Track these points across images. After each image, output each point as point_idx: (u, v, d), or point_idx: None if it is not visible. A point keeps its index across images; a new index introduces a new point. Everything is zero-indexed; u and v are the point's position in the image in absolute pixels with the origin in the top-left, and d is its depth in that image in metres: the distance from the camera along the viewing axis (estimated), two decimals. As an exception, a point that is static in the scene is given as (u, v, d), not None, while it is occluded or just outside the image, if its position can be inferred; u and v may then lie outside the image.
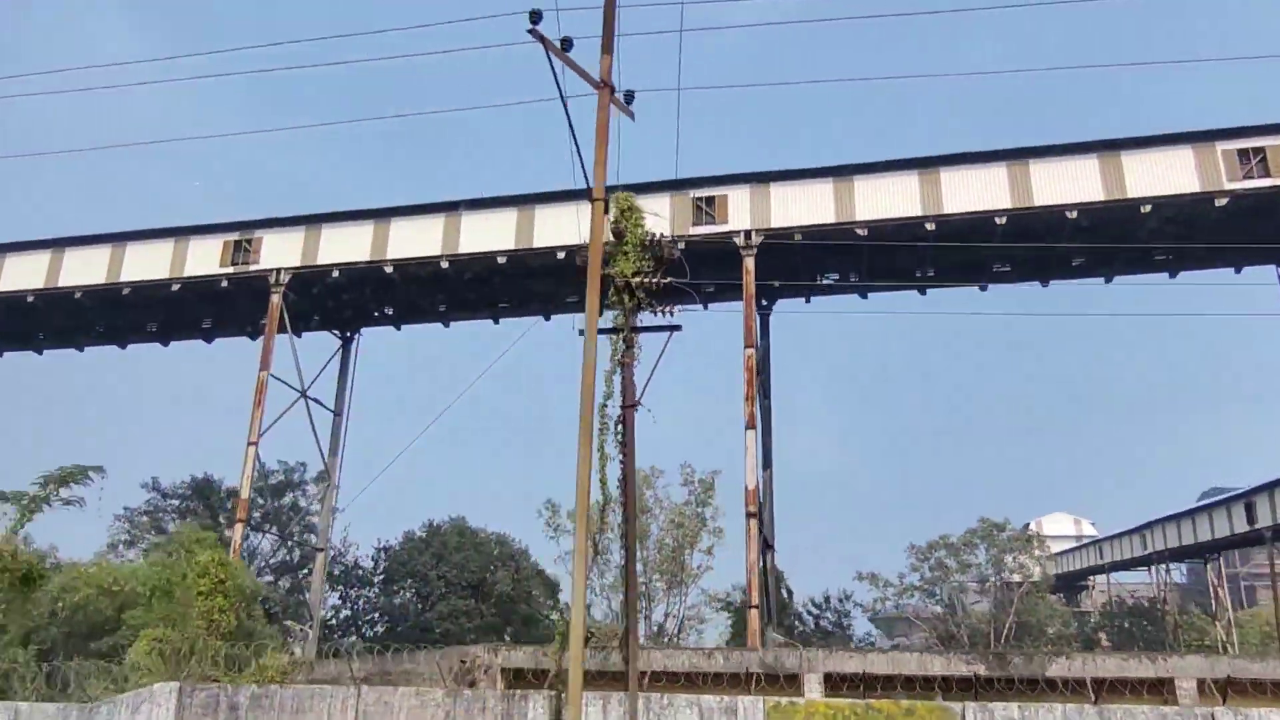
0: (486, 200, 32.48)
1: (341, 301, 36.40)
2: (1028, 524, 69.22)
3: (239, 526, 31.04)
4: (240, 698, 12.85)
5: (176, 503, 41.88)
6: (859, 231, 29.71)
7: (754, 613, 26.90)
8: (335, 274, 33.31)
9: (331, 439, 36.83)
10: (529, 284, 34.09)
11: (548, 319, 36.11)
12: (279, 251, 33.70)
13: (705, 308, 32.72)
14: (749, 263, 30.00)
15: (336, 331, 38.06)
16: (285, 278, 33.34)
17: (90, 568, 24.11)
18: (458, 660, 15.95)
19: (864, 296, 34.16)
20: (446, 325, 37.15)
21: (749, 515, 27.97)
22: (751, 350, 29.43)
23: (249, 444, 31.93)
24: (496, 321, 36.69)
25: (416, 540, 46.31)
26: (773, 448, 33.54)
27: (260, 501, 41.86)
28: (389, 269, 32.81)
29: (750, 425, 28.64)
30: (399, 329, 37.72)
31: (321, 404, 36.12)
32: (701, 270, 28.12)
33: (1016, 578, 60.32)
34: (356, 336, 38.07)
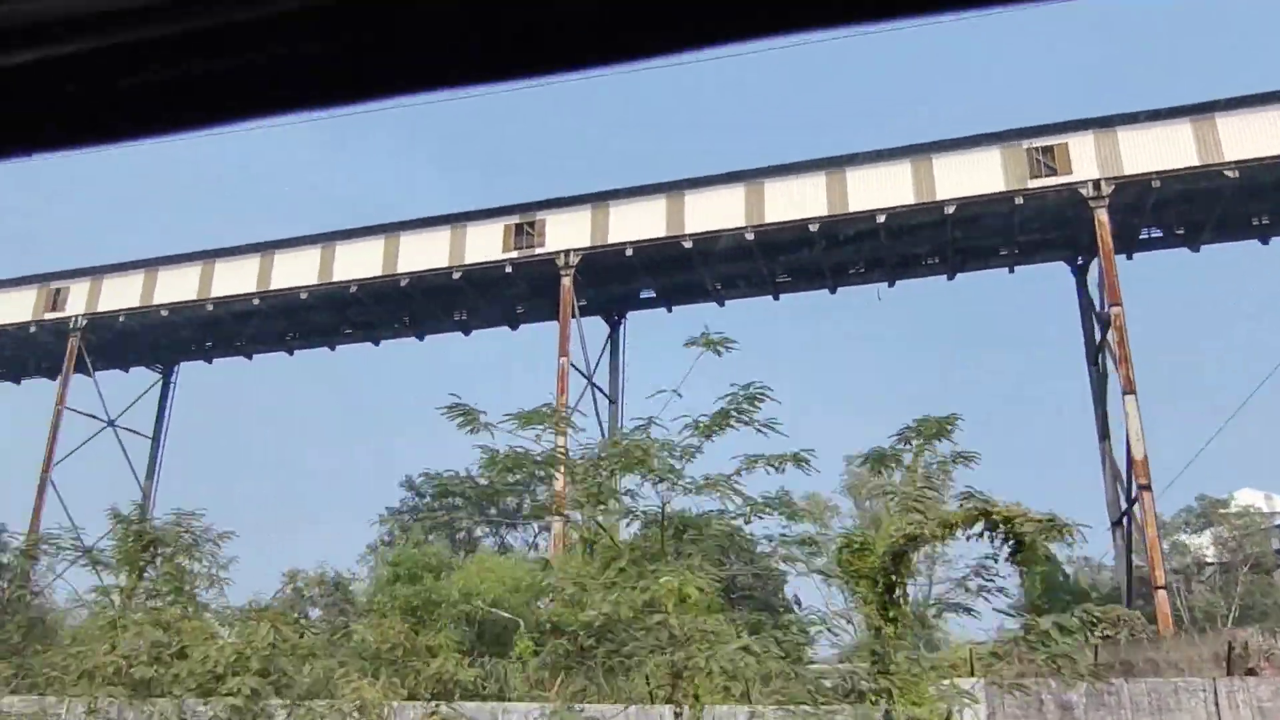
0: (793, 165, 30.52)
1: (614, 283, 34.80)
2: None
3: (557, 524, 29.57)
4: (1073, 696, 11.10)
5: (429, 500, 40.61)
6: (1228, 174, 27.15)
7: (1162, 594, 24.54)
8: (629, 252, 31.68)
9: (609, 429, 35.23)
10: (836, 253, 31.98)
11: (833, 291, 34.13)
12: (565, 232, 32.19)
13: None
14: (1102, 215, 27.67)
15: (602, 315, 36.46)
16: (575, 259, 31.83)
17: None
18: (1223, 646, 13.98)
19: (1194, 250, 31.43)
20: (722, 304, 35.34)
21: (1141, 488, 25.63)
22: (1119, 308, 27.07)
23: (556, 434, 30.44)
24: (777, 298, 34.77)
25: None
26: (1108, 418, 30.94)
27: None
28: (687, 244, 31.06)
29: (1129, 390, 26.32)
30: (670, 310, 36.00)
31: (602, 390, 34.62)
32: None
33: (1239, 556, 56.83)
34: (623, 320, 36.45)
